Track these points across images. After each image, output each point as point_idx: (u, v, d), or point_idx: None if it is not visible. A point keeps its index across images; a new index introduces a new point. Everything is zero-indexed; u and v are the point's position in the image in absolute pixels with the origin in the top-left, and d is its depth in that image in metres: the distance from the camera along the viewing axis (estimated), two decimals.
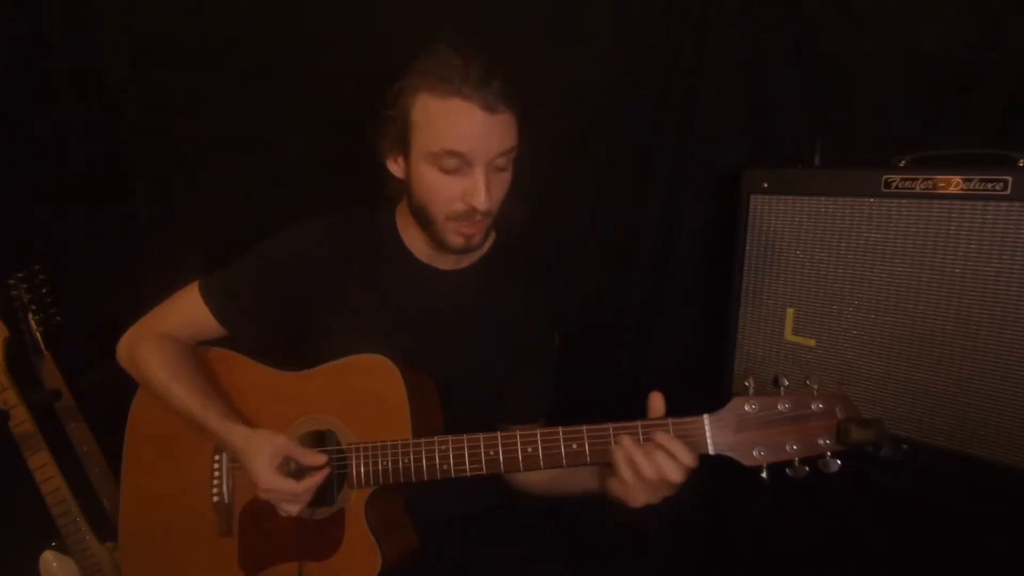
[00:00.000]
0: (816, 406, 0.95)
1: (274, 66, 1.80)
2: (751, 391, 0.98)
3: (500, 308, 1.30)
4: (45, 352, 1.69)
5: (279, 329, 1.30)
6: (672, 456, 0.98)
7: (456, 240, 1.17)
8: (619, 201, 1.77)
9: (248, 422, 1.23)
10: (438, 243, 1.20)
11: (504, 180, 1.16)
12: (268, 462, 1.14)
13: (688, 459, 0.98)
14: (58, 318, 1.72)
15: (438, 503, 1.25)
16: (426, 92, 1.10)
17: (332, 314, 1.27)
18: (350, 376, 1.20)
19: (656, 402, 1.03)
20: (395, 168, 1.20)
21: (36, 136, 1.88)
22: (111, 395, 1.38)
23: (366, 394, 1.18)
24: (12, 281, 1.69)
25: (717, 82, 1.61)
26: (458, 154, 1.09)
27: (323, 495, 1.19)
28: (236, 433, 1.19)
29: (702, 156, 1.66)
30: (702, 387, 1.62)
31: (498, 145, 1.10)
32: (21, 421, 1.61)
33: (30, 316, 1.69)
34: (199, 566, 1.27)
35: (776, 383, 0.96)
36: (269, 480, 1.14)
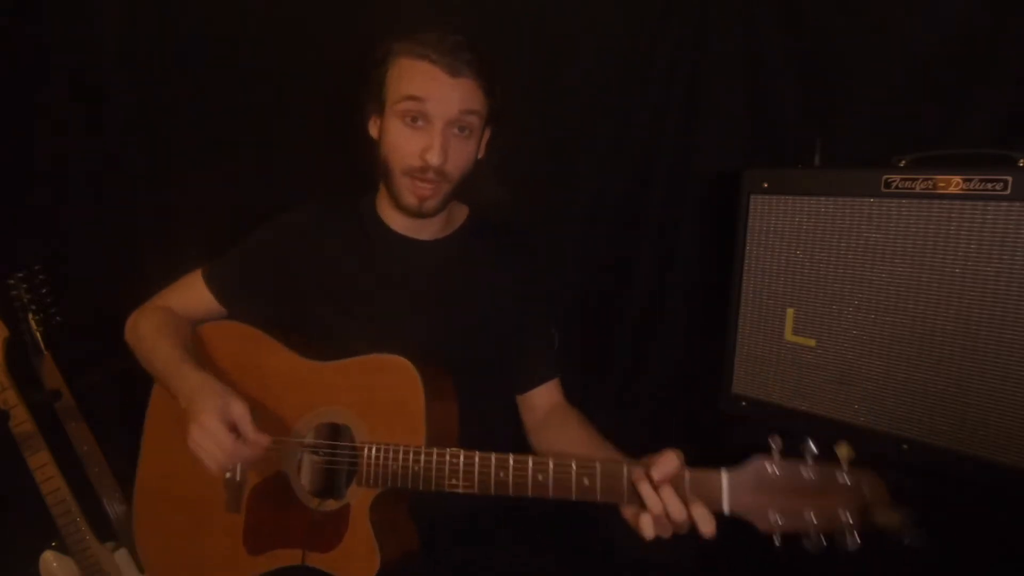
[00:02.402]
0: (842, 479, 0.90)
1: (274, 65, 1.80)
2: (775, 452, 0.93)
3: (481, 278, 1.36)
4: (45, 352, 1.69)
5: (274, 308, 1.35)
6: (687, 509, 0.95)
7: (410, 199, 1.24)
8: (619, 201, 1.77)
9: (266, 403, 1.26)
10: (396, 202, 1.27)
11: (465, 148, 1.23)
12: (220, 407, 1.11)
13: (705, 521, 0.94)
14: (58, 318, 1.72)
15: (441, 503, 1.25)
16: (402, 56, 1.21)
17: (324, 288, 1.32)
18: (372, 374, 1.21)
19: (669, 459, 0.96)
20: (374, 130, 1.29)
21: (36, 136, 1.88)
22: (111, 395, 1.38)
23: (385, 395, 1.19)
24: (12, 281, 1.69)
25: (717, 82, 1.61)
26: (417, 98, 1.18)
27: (333, 488, 1.21)
28: (204, 379, 1.16)
29: (702, 156, 1.66)
30: (702, 387, 1.62)
31: (458, 103, 1.19)
32: (21, 421, 1.61)
33: (30, 316, 1.69)
34: (207, 535, 1.29)
35: (803, 451, 0.92)
36: (209, 421, 1.10)
